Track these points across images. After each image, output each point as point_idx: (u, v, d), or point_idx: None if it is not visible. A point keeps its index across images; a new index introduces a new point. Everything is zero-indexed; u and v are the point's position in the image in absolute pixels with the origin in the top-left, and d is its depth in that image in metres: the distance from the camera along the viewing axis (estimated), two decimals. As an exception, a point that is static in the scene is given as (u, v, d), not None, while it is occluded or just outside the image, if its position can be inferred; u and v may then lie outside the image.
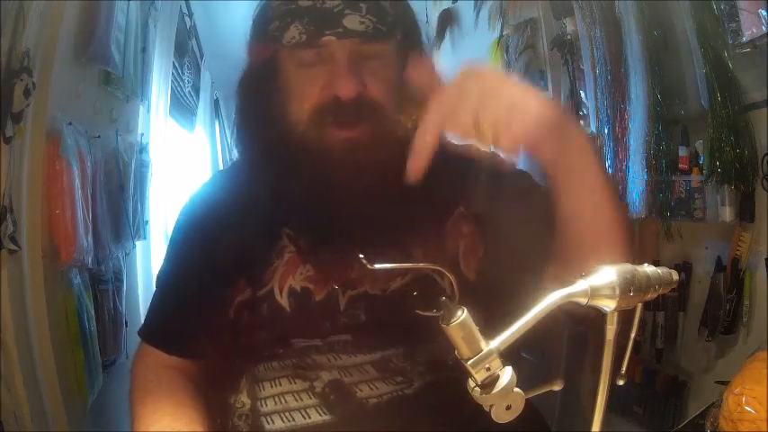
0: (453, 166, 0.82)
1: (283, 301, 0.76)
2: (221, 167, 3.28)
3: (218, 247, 0.78)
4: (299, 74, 0.76)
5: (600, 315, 0.50)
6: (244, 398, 0.79)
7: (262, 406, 0.77)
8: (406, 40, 0.79)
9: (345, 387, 0.75)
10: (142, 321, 0.88)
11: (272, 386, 0.77)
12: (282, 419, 0.75)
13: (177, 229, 0.87)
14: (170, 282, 0.85)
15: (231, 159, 2.94)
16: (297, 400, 0.75)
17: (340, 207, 0.75)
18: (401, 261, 0.75)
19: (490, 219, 0.80)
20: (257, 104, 0.81)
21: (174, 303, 0.83)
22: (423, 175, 0.77)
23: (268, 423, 0.76)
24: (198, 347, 0.81)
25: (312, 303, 0.76)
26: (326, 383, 0.75)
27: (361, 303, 0.76)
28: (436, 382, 0.76)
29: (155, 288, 0.88)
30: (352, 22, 0.72)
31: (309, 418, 0.74)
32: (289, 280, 0.77)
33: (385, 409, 0.74)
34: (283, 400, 0.76)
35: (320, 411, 0.74)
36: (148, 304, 0.89)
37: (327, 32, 0.72)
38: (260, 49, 0.79)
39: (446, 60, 2.65)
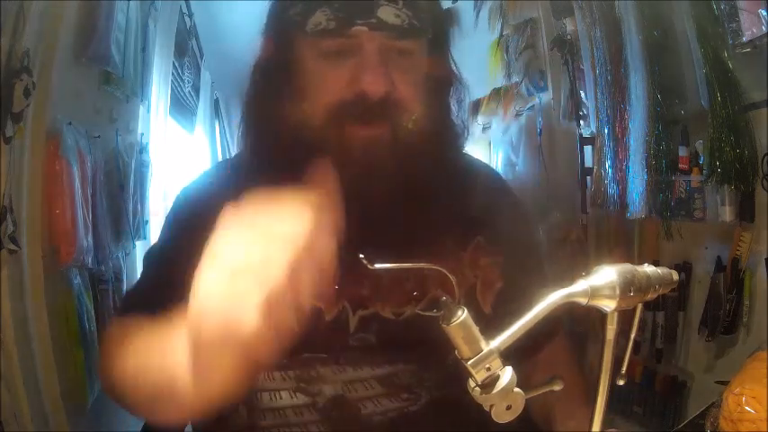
0: (473, 191, 0.80)
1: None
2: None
3: None
4: (320, 65, 0.69)
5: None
6: (241, 408, 0.74)
7: (261, 419, 0.73)
8: (436, 39, 0.74)
9: (349, 403, 0.71)
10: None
11: (271, 398, 0.73)
12: None
13: (172, 218, 0.81)
14: (156, 269, 0.79)
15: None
16: (298, 416, 0.72)
17: (353, 214, 0.71)
18: (415, 281, 0.72)
19: (507, 248, 0.77)
20: (271, 95, 0.75)
21: (157, 295, 0.73)
22: (446, 194, 0.74)
23: None
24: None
25: (321, 324, 0.71)
26: (329, 399, 0.71)
27: (372, 326, 0.72)
28: (443, 399, 0.73)
29: (142, 267, 0.82)
30: (387, 13, 0.66)
31: None
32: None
33: (389, 427, 0.70)
34: (284, 415, 0.72)
35: (322, 428, 0.71)
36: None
37: (359, 22, 0.66)
38: (277, 35, 0.74)
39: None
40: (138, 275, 0.84)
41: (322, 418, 0.71)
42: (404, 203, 0.70)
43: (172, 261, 0.75)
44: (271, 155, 0.75)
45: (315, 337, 0.70)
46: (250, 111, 0.79)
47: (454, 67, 0.79)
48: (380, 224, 0.69)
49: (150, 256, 0.83)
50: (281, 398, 0.73)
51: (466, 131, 0.82)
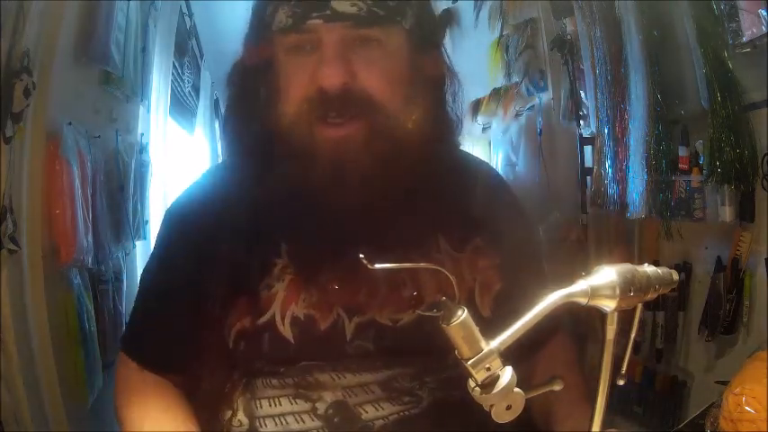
0: (467, 189, 0.79)
1: (286, 331, 0.70)
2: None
3: (210, 260, 0.72)
4: (287, 63, 0.70)
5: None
6: (240, 416, 0.73)
7: (261, 426, 0.72)
8: (419, 30, 0.72)
9: (349, 408, 0.70)
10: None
11: (270, 405, 0.72)
12: None
13: (164, 234, 0.80)
14: (154, 288, 0.79)
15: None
16: (299, 422, 0.70)
17: (338, 221, 0.69)
18: (412, 286, 0.71)
19: (505, 249, 0.77)
20: (244, 96, 0.75)
21: (157, 314, 0.77)
22: (440, 193, 0.74)
23: None
24: (182, 365, 0.75)
25: (317, 333, 0.70)
26: (330, 405, 0.70)
27: (369, 332, 0.70)
28: (444, 401, 0.72)
29: (138, 287, 0.82)
30: (341, 4, 0.66)
31: None
32: (291, 307, 0.70)
33: (391, 431, 0.70)
34: (284, 422, 0.71)
35: None
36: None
37: (314, 15, 0.66)
38: (252, 37, 0.74)
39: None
40: (137, 288, 0.83)
41: (324, 424, 0.70)
42: (393, 205, 0.69)
43: (169, 281, 0.76)
44: (250, 159, 0.75)
45: (311, 346, 0.70)
46: (228, 112, 0.79)
47: (447, 61, 0.78)
48: (368, 228, 0.68)
49: (148, 276, 0.82)
50: (280, 404, 0.72)
51: (460, 126, 0.80)
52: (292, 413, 0.71)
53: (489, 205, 0.79)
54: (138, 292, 0.82)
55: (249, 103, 0.75)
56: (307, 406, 0.71)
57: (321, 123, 0.68)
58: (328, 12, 0.66)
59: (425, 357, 0.70)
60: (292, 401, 0.71)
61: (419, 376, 0.72)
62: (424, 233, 0.73)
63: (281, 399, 0.72)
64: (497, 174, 0.98)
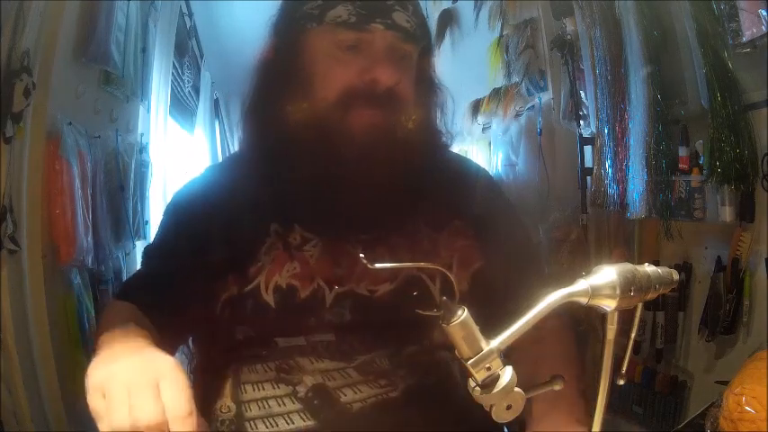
0: (451, 180, 0.87)
1: (269, 297, 0.76)
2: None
3: (208, 237, 0.78)
4: (333, 54, 0.77)
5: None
6: (228, 402, 0.77)
7: (246, 410, 0.76)
8: (425, 50, 0.84)
9: (329, 391, 0.74)
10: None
11: (254, 390, 0.76)
12: (266, 425, 0.74)
13: (168, 213, 0.88)
14: (158, 255, 0.85)
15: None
16: (280, 405, 0.75)
17: (338, 200, 0.76)
18: (391, 261, 0.76)
19: (485, 232, 0.83)
20: (279, 83, 0.81)
21: (159, 271, 0.82)
22: (424, 183, 0.81)
23: (251, 428, 0.74)
24: (172, 308, 0.76)
25: (298, 300, 0.76)
26: (309, 388, 0.74)
27: (346, 302, 0.76)
28: (421, 384, 0.75)
29: (141, 260, 0.88)
30: (399, 18, 0.77)
31: (293, 423, 0.73)
32: (275, 277, 0.76)
33: (369, 413, 0.73)
34: (267, 405, 0.75)
35: (304, 417, 0.73)
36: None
37: (377, 20, 0.76)
38: (288, 30, 0.81)
39: (446, 60, 2.65)
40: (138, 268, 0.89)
41: (304, 406, 0.74)
42: (395, 190, 0.77)
43: (169, 257, 0.81)
44: (276, 142, 0.80)
45: (291, 314, 0.76)
46: (253, 106, 0.85)
47: (436, 79, 0.89)
48: (362, 213, 0.76)
49: (149, 252, 0.88)
50: (263, 389, 0.76)
51: (446, 129, 0.91)
52: (274, 397, 0.75)
53: (471, 193, 0.87)
54: (141, 266, 0.87)
55: (280, 91, 0.81)
56: (288, 390, 0.75)
57: (359, 107, 0.76)
58: (389, 21, 0.76)
59: (400, 332, 0.75)
60: (275, 386, 0.76)
61: (395, 358, 0.76)
62: (407, 213, 0.80)
63: (264, 383, 0.76)
64: (479, 167, 1.04)
